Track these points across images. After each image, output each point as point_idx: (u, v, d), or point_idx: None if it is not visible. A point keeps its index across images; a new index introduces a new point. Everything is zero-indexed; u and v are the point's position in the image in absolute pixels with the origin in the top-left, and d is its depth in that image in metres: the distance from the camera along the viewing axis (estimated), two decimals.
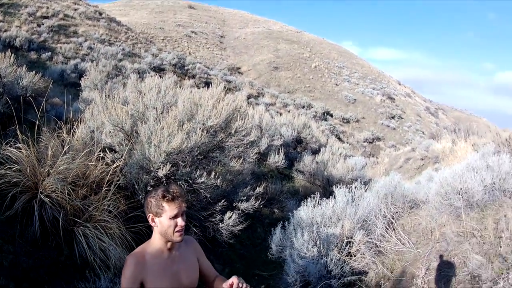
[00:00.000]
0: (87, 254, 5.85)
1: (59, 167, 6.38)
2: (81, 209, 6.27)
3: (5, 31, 24.76)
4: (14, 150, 6.48)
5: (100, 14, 38.66)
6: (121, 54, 31.18)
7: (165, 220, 3.27)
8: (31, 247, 5.81)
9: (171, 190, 3.33)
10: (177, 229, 3.30)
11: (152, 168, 7.10)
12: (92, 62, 23.61)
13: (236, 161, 8.38)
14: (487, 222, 6.18)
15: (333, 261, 6.61)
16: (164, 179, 7.05)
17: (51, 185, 6.18)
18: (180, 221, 3.30)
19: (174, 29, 61.93)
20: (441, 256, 6.04)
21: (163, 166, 6.92)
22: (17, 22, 27.03)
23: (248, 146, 8.81)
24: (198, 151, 7.70)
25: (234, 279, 3.31)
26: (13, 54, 11.33)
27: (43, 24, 28.96)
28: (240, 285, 3.32)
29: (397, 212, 7.89)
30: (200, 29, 66.92)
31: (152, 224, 3.33)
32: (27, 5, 30.04)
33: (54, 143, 6.71)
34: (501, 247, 5.55)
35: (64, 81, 21.11)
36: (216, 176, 7.64)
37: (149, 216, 3.33)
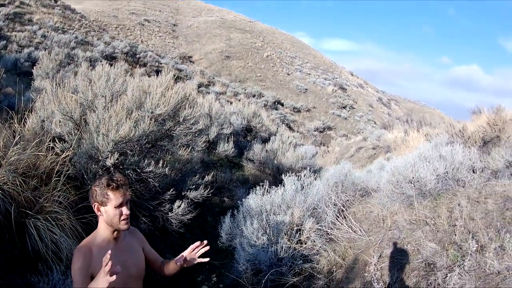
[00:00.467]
0: (39, 247, 5.80)
1: (10, 158, 6.30)
2: (32, 201, 6.19)
3: None
4: None
5: (55, 1, 38.41)
6: (74, 42, 30.99)
7: (110, 209, 3.30)
8: None
9: (115, 179, 3.36)
10: (122, 217, 3.34)
11: (100, 158, 7.06)
12: (45, 50, 23.25)
13: (185, 149, 8.48)
14: (440, 211, 6.29)
15: (283, 249, 6.71)
16: (112, 168, 7.01)
17: (3, 177, 6.09)
18: (125, 210, 3.36)
19: (128, 17, 61.25)
20: (394, 244, 6.11)
21: (111, 155, 6.90)
22: None
23: (196, 135, 8.83)
24: (146, 140, 7.70)
25: (196, 244, 3.69)
26: None
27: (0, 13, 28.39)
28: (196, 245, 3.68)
29: (348, 200, 8.03)
30: (154, 17, 66.32)
31: (98, 213, 3.35)
32: None
33: (5, 134, 6.61)
34: (455, 235, 5.64)
35: (17, 70, 20.99)
36: (165, 165, 7.66)
37: (94, 206, 3.34)
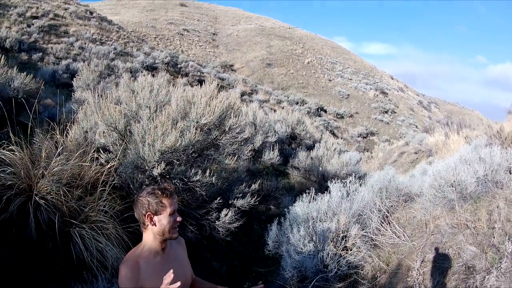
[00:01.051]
0: (84, 255, 5.81)
1: (53, 168, 6.34)
2: (77, 210, 6.23)
3: None
4: (7, 152, 6.41)
5: (91, 13, 38.65)
6: (113, 53, 31.17)
7: (165, 217, 3.26)
8: (27, 250, 5.78)
9: (166, 187, 3.33)
10: (175, 225, 3.31)
11: (146, 167, 7.09)
12: (84, 62, 23.61)
13: (231, 158, 8.39)
14: (480, 214, 6.24)
15: (329, 256, 6.62)
16: (159, 178, 7.03)
17: (46, 187, 6.14)
18: (178, 217, 3.33)
19: (166, 27, 61.85)
20: (436, 248, 6.07)
21: (158, 165, 6.91)
22: (6, 22, 26.96)
23: (242, 144, 8.80)
24: (193, 149, 7.68)
25: None
26: (3, 56, 11.27)
27: (33, 25, 28.90)
28: None
29: (392, 206, 7.95)
30: (192, 26, 66.85)
31: (150, 223, 3.28)
32: (16, 5, 30.02)
33: (47, 145, 6.67)
34: (494, 237, 5.59)
35: (56, 82, 21.08)
36: (211, 174, 7.61)
37: (147, 216, 3.25)
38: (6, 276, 5.21)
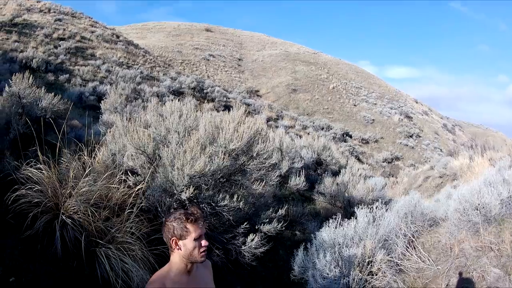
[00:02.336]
0: (109, 275, 5.86)
1: (81, 188, 6.42)
2: (104, 231, 6.29)
3: (21, 51, 25.07)
4: (35, 170, 6.55)
5: (118, 37, 39.10)
6: (140, 77, 31.43)
7: (189, 242, 3.34)
8: (52, 267, 5.83)
9: (193, 212, 3.43)
10: (202, 249, 3.39)
11: (175, 191, 7.13)
12: (110, 85, 23.79)
13: (258, 184, 8.45)
14: (504, 236, 6.32)
15: (355, 281, 6.65)
16: (187, 202, 7.10)
17: (73, 206, 6.23)
18: (204, 242, 3.41)
19: (192, 52, 62.22)
20: (460, 272, 6.13)
21: (186, 189, 6.95)
22: (33, 43, 27.37)
23: (269, 169, 8.82)
24: (221, 174, 7.73)
25: None
26: (30, 75, 11.39)
27: (60, 46, 29.29)
28: None
29: (417, 231, 7.95)
30: (218, 52, 67.23)
31: (175, 248, 3.38)
32: (43, 26, 30.58)
33: (75, 165, 6.75)
34: None
35: (82, 104, 21.35)
36: (239, 199, 7.64)
37: (172, 241, 3.36)
38: None
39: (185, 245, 3.34)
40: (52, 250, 5.98)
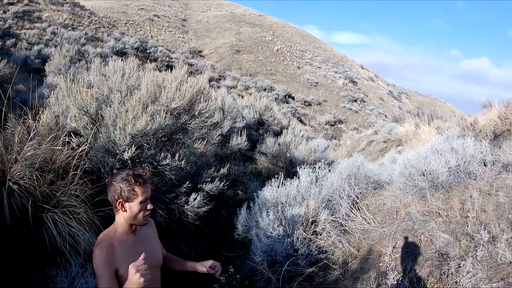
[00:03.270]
0: (56, 241, 5.84)
1: (26, 153, 6.33)
2: (49, 195, 6.24)
3: None
4: None
5: None
6: (84, 38, 31.22)
7: (135, 205, 3.33)
8: (1, 236, 5.79)
9: (141, 174, 3.40)
10: (146, 212, 3.41)
11: (117, 151, 7.13)
12: (55, 47, 23.48)
13: (200, 143, 8.54)
14: (452, 203, 6.36)
15: (299, 240, 6.73)
16: (130, 162, 7.11)
17: (19, 172, 6.16)
18: (149, 205, 3.42)
19: (137, 12, 61.21)
20: (407, 235, 6.20)
21: (129, 148, 6.96)
22: None
23: (211, 128, 8.96)
24: (163, 133, 7.77)
25: (214, 263, 3.78)
26: None
27: (8, 11, 28.79)
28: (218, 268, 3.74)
29: (361, 193, 8.09)
30: (163, 12, 66.25)
31: (121, 209, 3.36)
32: None
33: (20, 130, 6.63)
34: (468, 226, 5.73)
35: (28, 67, 21.19)
36: (181, 158, 7.71)
37: (119, 203, 3.34)
38: None
39: (131, 208, 3.33)
40: (1, 219, 5.94)
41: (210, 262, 3.86)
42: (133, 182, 3.31)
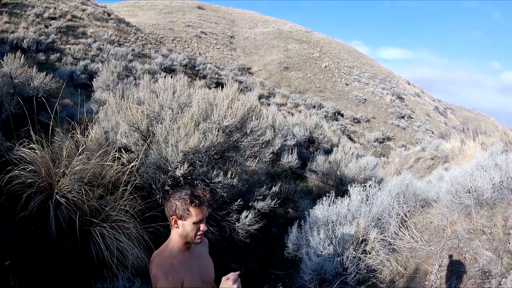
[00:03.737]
0: (104, 254, 5.88)
1: (75, 167, 6.41)
2: (98, 209, 6.30)
3: (12, 32, 24.85)
4: (28, 151, 6.53)
5: (109, 15, 38.80)
6: (131, 55, 31.27)
7: (188, 224, 3.30)
8: (46, 248, 5.83)
9: (199, 195, 3.34)
10: (199, 233, 3.36)
11: (169, 168, 7.14)
12: (102, 63, 23.77)
13: (252, 160, 8.45)
14: (496, 220, 6.32)
15: (348, 259, 6.70)
16: (182, 179, 7.10)
17: (67, 186, 6.21)
18: (202, 226, 3.37)
19: (184, 29, 61.92)
20: (453, 253, 6.17)
21: (181, 165, 6.94)
22: (24, 23, 27.10)
23: (263, 146, 8.88)
24: (215, 151, 7.77)
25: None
26: (22, 55, 11.30)
27: (50, 25, 29.09)
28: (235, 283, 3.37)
29: (409, 211, 8.03)
30: (210, 29, 66.92)
31: (174, 226, 3.35)
32: (34, 6, 30.19)
33: (68, 144, 6.75)
34: (510, 243, 5.68)
35: (74, 82, 21.32)
36: (233, 176, 7.66)
37: (172, 218, 3.33)
38: (24, 273, 5.25)
39: (184, 226, 3.31)
40: (46, 230, 5.99)
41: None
42: (188, 202, 3.27)
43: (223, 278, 3.34)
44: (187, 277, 3.26)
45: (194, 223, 3.29)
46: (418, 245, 6.88)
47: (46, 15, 30.10)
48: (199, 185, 6.98)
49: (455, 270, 5.80)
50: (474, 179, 7.08)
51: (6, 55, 10.82)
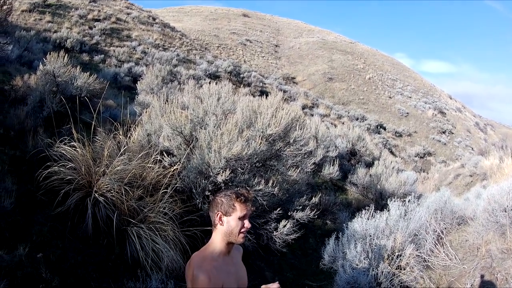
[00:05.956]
0: (139, 254, 5.96)
1: (115, 167, 6.53)
2: (136, 210, 6.40)
3: (55, 32, 25.43)
4: (69, 148, 6.68)
5: (154, 19, 39.34)
6: (176, 59, 31.63)
7: (233, 220, 3.36)
8: (81, 244, 5.94)
9: (244, 193, 3.44)
10: (243, 230, 3.40)
11: (211, 174, 7.19)
12: (146, 66, 23.95)
13: (293, 170, 8.42)
14: None
15: (383, 274, 6.71)
16: (223, 185, 7.14)
17: (107, 185, 6.34)
18: (247, 223, 3.42)
19: (229, 36, 62.30)
20: (485, 273, 6.17)
21: (223, 172, 7.01)
22: (67, 23, 27.69)
23: (305, 156, 8.91)
24: (257, 159, 7.78)
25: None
26: (65, 55, 11.40)
27: (94, 27, 29.64)
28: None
29: (445, 228, 7.97)
30: (255, 37, 67.19)
31: (219, 223, 3.39)
32: (77, 7, 30.86)
33: (110, 144, 6.88)
34: None
35: (117, 84, 21.65)
36: (274, 185, 7.69)
37: (217, 215, 3.38)
38: (56, 267, 5.32)
39: (228, 222, 3.36)
40: (82, 227, 6.09)
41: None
42: (234, 197, 3.37)
43: (263, 287, 3.35)
44: (226, 281, 3.28)
45: (239, 218, 3.35)
46: (452, 263, 6.88)
47: (90, 16, 30.73)
48: (245, 187, 7.04)
49: None
50: (510, 197, 7.02)
51: (49, 54, 10.92)
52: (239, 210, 3.34)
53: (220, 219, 3.37)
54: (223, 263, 3.37)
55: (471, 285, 6.07)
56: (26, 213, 6.00)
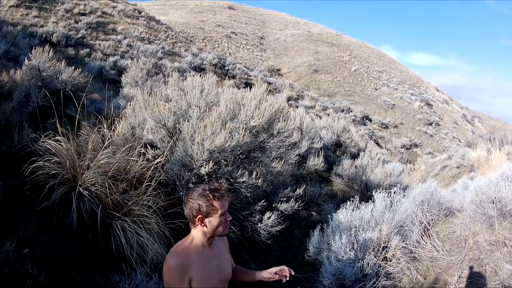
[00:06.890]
0: (124, 248, 5.94)
1: (100, 161, 6.51)
2: (120, 203, 6.38)
3: (41, 26, 25.41)
4: (53, 142, 6.63)
5: (139, 12, 39.24)
6: (161, 52, 31.71)
7: (215, 219, 3.33)
8: (66, 239, 5.91)
9: (217, 188, 3.39)
10: (226, 224, 3.40)
11: (194, 166, 7.16)
12: (131, 59, 23.96)
13: (277, 162, 8.42)
14: None
15: (369, 265, 6.67)
16: (206, 177, 7.11)
17: (91, 178, 6.30)
18: (228, 215, 3.42)
19: (214, 29, 62.22)
20: (473, 265, 6.14)
21: (206, 164, 6.98)
22: (53, 18, 27.73)
23: (289, 148, 8.88)
24: (240, 151, 7.76)
25: (280, 268, 3.81)
26: (51, 49, 11.38)
27: (80, 21, 29.65)
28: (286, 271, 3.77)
29: (432, 219, 7.94)
30: (240, 30, 67.12)
31: (201, 225, 3.36)
32: (64, 2, 30.87)
33: (94, 137, 6.85)
34: None
35: (103, 77, 21.65)
36: (257, 176, 7.67)
37: (198, 219, 3.33)
38: (42, 262, 5.30)
39: (211, 222, 3.33)
40: (67, 222, 6.06)
41: (274, 269, 3.89)
42: (211, 197, 3.31)
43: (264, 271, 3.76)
44: (200, 272, 3.27)
45: (220, 215, 3.32)
46: (439, 255, 6.84)
47: (76, 10, 30.68)
48: (214, 178, 7.00)
49: (475, 282, 5.79)
50: (498, 189, 6.99)
51: (35, 48, 10.90)
52: (219, 207, 3.32)
53: (202, 221, 3.35)
54: (203, 255, 3.37)
55: (459, 277, 6.07)
56: (12, 209, 5.97)
